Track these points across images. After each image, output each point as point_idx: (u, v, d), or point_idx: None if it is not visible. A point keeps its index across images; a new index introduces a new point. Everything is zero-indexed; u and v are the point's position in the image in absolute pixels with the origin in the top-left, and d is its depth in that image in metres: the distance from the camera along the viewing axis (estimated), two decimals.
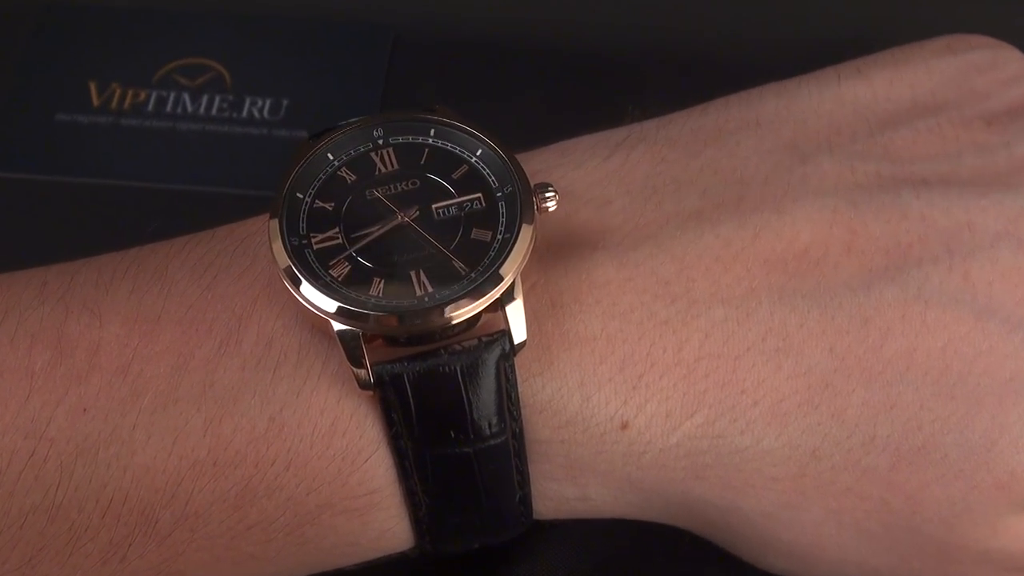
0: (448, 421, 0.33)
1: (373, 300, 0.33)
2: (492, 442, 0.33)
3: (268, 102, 0.54)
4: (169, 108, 0.54)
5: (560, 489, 0.36)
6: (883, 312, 0.34)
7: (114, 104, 0.54)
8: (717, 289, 0.34)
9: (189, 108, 0.54)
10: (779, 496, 0.35)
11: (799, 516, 0.35)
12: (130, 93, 0.54)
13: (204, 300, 0.34)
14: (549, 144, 0.39)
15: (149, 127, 0.54)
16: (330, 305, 0.32)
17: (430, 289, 0.33)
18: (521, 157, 0.37)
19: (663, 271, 0.34)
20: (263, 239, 0.35)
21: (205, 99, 0.54)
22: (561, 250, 0.35)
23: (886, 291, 0.34)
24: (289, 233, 0.34)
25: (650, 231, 0.35)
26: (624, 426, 0.34)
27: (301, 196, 0.35)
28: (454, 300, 0.32)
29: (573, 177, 0.37)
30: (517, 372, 0.33)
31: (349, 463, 0.33)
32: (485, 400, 0.33)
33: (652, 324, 0.34)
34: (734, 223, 0.35)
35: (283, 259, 0.33)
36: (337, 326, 0.32)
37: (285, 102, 0.54)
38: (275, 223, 0.34)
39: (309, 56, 0.56)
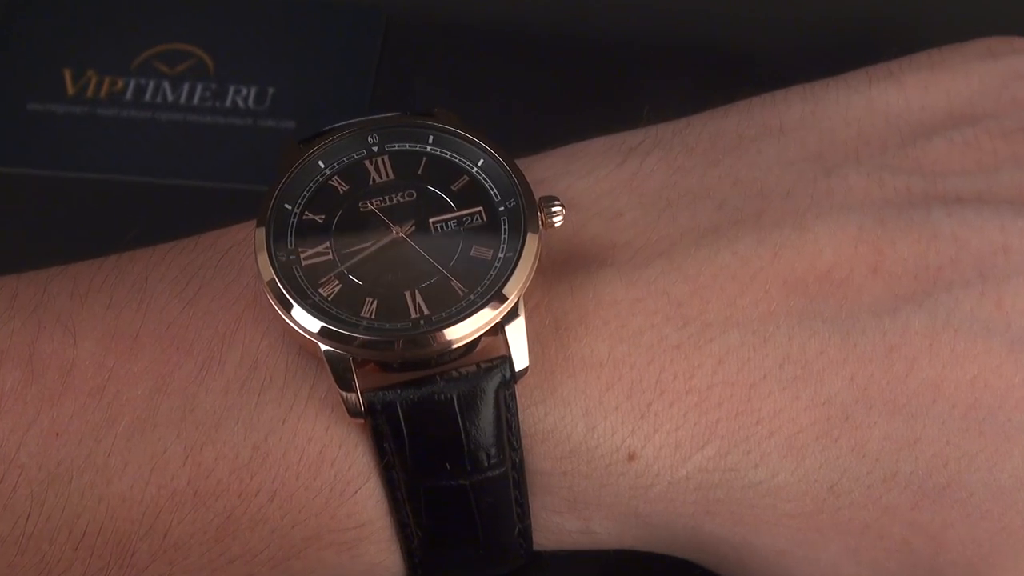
0: (443, 452, 0.32)
1: (365, 323, 0.32)
2: (490, 474, 0.33)
3: (253, 90, 0.53)
4: (148, 97, 0.53)
5: (562, 522, 0.35)
6: (909, 340, 0.33)
7: (90, 93, 0.53)
8: (733, 312, 0.33)
9: (169, 97, 0.53)
10: (795, 533, 0.34)
11: (815, 554, 0.34)
12: (107, 81, 0.53)
13: (185, 317, 0.33)
14: (553, 140, 0.38)
15: (127, 117, 0.53)
16: (318, 327, 0.32)
17: (426, 311, 0.32)
18: (524, 162, 0.36)
19: (676, 291, 0.33)
20: (249, 250, 0.34)
21: (186, 87, 0.53)
22: (566, 267, 0.34)
23: (913, 317, 0.33)
24: (276, 247, 0.33)
25: (662, 247, 0.34)
26: (631, 457, 0.33)
27: (290, 207, 0.34)
28: (451, 324, 0.32)
29: (581, 187, 0.36)
30: (518, 399, 0.32)
31: (338, 494, 0.33)
32: (483, 430, 0.32)
33: (663, 348, 0.33)
34: (752, 240, 0.34)
35: (269, 276, 0.32)
36: (326, 349, 0.32)
37: (271, 91, 0.53)
38: (261, 233, 0.33)
39: (297, 41, 0.55)
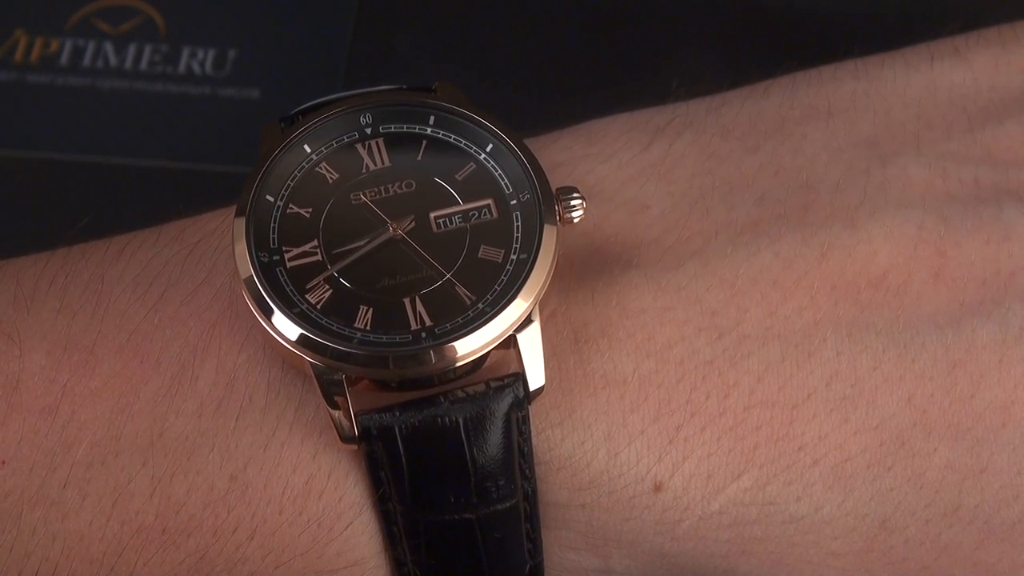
0: (447, 483, 0.32)
1: (359, 335, 0.31)
2: (499, 507, 0.32)
3: (211, 53, 0.52)
4: (87, 61, 0.52)
5: (579, 560, 0.35)
6: (976, 355, 0.33)
7: (18, 56, 0.52)
8: (773, 322, 0.33)
9: (112, 61, 0.52)
10: (840, 575, 0.34)
11: None
12: (38, 43, 0.52)
13: (149, 324, 0.33)
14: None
15: (62, 85, 0.51)
16: (304, 339, 0.31)
17: (428, 322, 0.32)
18: (536, 142, 0.36)
19: (709, 298, 0.33)
20: (221, 244, 0.34)
21: (132, 50, 0.52)
22: (586, 267, 0.34)
23: (980, 330, 0.33)
24: (258, 247, 0.32)
25: (695, 246, 0.34)
26: (657, 488, 0.33)
27: (272, 199, 0.33)
28: (457, 337, 0.31)
29: (602, 172, 0.35)
30: (532, 422, 0.32)
31: (326, 531, 0.32)
32: (492, 457, 0.32)
33: (694, 364, 0.33)
34: (797, 239, 0.34)
35: (248, 275, 0.32)
36: (314, 365, 0.31)
37: (231, 54, 0.52)
38: (240, 224, 0.32)
39: None
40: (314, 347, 0.31)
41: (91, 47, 0.52)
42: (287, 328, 0.31)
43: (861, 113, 0.36)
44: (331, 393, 0.31)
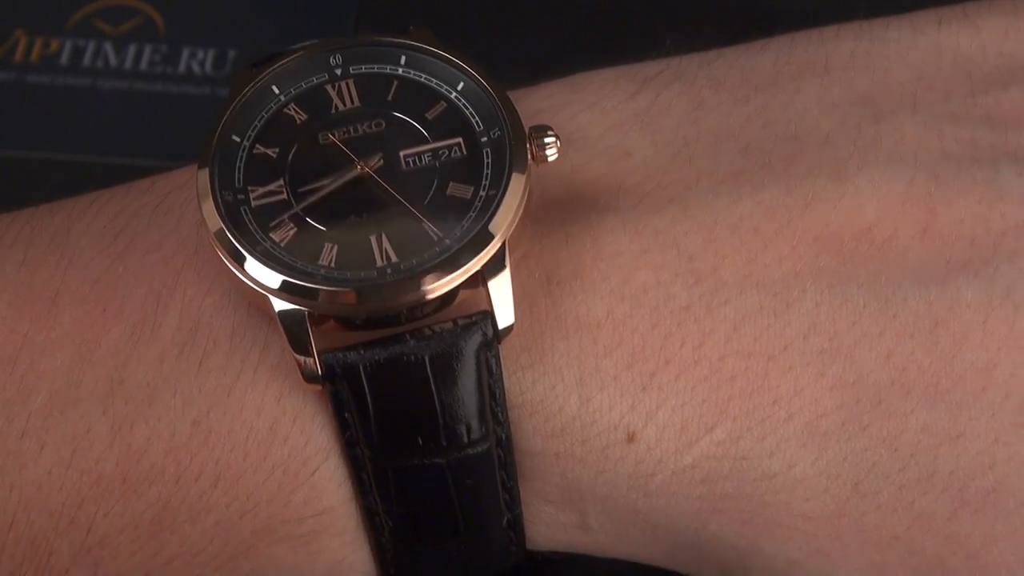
0: (415, 424, 0.31)
1: (323, 271, 0.31)
2: (471, 451, 0.32)
3: (211, 54, 0.52)
4: (87, 61, 0.52)
5: (555, 514, 0.34)
6: (960, 314, 0.32)
7: (19, 56, 0.52)
8: (752, 269, 0.32)
9: (112, 61, 0.52)
10: (810, 540, 0.33)
11: (832, 567, 0.33)
12: (38, 43, 0.52)
13: (114, 273, 0.33)
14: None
15: (62, 85, 0.51)
16: (270, 278, 0.31)
17: (394, 258, 0.31)
18: (521, 93, 0.36)
19: (688, 243, 0.33)
20: (191, 195, 0.34)
21: (132, 50, 0.52)
22: (562, 212, 0.34)
23: (966, 288, 0.32)
24: (222, 186, 0.32)
25: (675, 192, 0.34)
26: (630, 438, 0.32)
27: (238, 139, 0.33)
28: (424, 272, 0.31)
29: (585, 119, 0.35)
30: (503, 364, 0.32)
31: (292, 476, 0.32)
32: (461, 398, 0.31)
33: (669, 309, 0.32)
34: (780, 188, 0.33)
35: (213, 219, 0.32)
36: (279, 304, 0.31)
37: (231, 54, 0.52)
38: (204, 174, 0.32)
39: None
40: (280, 285, 0.31)
41: (91, 47, 0.52)
42: (256, 270, 0.31)
43: (859, 71, 0.36)
44: (296, 334, 0.31)
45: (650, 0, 0.52)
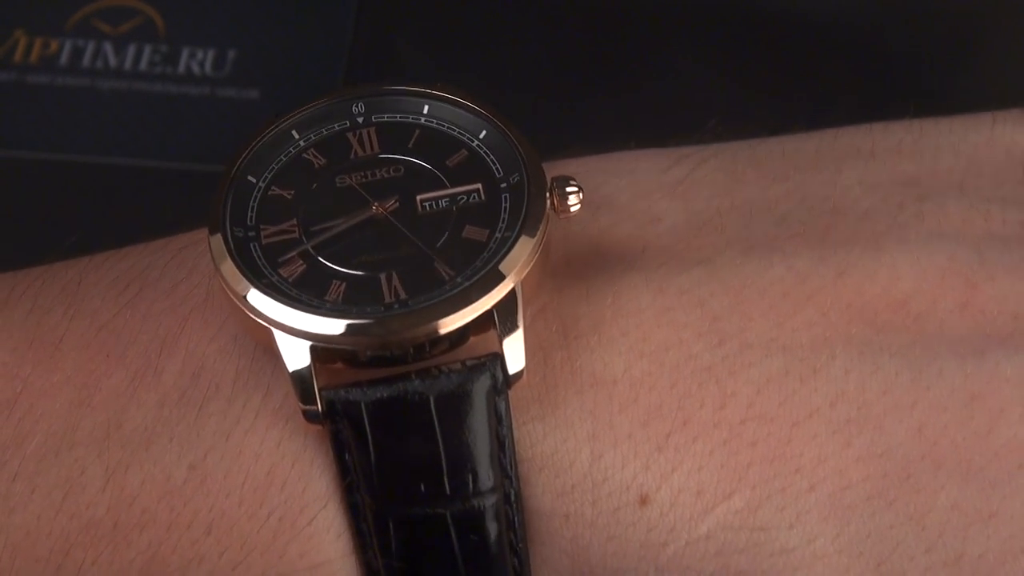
0: (418, 468, 0.31)
1: (328, 306, 0.31)
2: (476, 503, 0.31)
3: (210, 54, 0.52)
4: (87, 62, 0.52)
5: None
6: (998, 389, 0.31)
7: (18, 57, 0.52)
8: (780, 333, 0.32)
9: (112, 61, 0.52)
10: None
11: None
12: (38, 43, 0.52)
13: (121, 320, 0.32)
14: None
15: (62, 85, 0.51)
16: (273, 309, 0.31)
17: (403, 295, 0.31)
18: (553, 164, 0.35)
19: (713, 304, 0.32)
20: (206, 249, 0.33)
21: (132, 50, 0.52)
22: (585, 268, 0.33)
23: (1005, 363, 0.31)
24: (233, 222, 0.32)
25: (704, 255, 0.33)
26: (643, 500, 0.31)
27: (254, 180, 0.33)
28: (432, 307, 0.30)
29: (615, 186, 0.34)
30: (513, 413, 0.31)
31: (288, 525, 0.31)
32: (468, 443, 0.30)
33: (690, 369, 0.31)
34: (814, 256, 0.32)
35: (220, 252, 0.32)
36: (282, 338, 0.31)
37: (231, 54, 0.52)
38: (217, 206, 0.32)
39: None
40: (283, 317, 0.30)
41: (91, 47, 0.51)
42: (260, 302, 0.31)
43: (906, 156, 0.35)
44: (299, 368, 0.30)
45: (650, 3, 0.52)
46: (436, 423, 0.30)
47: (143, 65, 0.51)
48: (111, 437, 0.31)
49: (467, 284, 0.31)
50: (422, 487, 0.30)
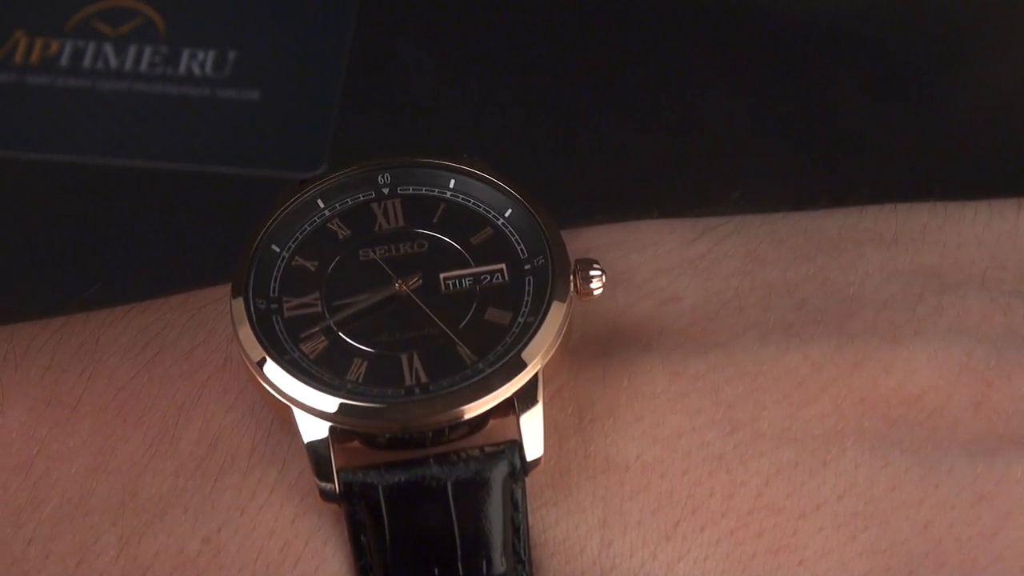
0: (433, 552, 0.31)
1: (348, 386, 0.31)
2: None
3: (211, 55, 0.52)
4: (87, 63, 0.51)
5: None
6: (1007, 490, 0.31)
7: (18, 58, 0.51)
8: (792, 424, 0.32)
9: (112, 62, 0.51)
10: None
11: None
12: (38, 44, 0.52)
13: (138, 383, 0.32)
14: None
15: (62, 86, 0.51)
16: (293, 387, 0.31)
17: (423, 378, 0.31)
18: (574, 232, 0.35)
19: (728, 390, 0.32)
20: (226, 309, 0.33)
21: (133, 51, 0.52)
22: (603, 348, 0.33)
23: (1016, 464, 0.31)
24: (256, 293, 0.32)
25: (721, 338, 0.33)
26: None
27: (278, 250, 0.33)
28: (453, 393, 0.30)
29: (635, 260, 0.34)
30: (528, 498, 0.31)
31: None
32: (484, 529, 0.31)
33: (702, 457, 0.32)
34: (831, 345, 0.32)
35: (242, 322, 0.31)
36: (301, 417, 0.31)
37: (231, 55, 0.52)
38: (239, 303, 0.32)
39: None
40: (303, 397, 0.30)
41: (91, 48, 0.51)
42: (280, 379, 0.31)
43: (929, 244, 0.34)
44: (316, 447, 0.30)
45: (650, 3, 0.52)
46: (453, 509, 0.30)
47: (143, 66, 0.51)
48: (126, 505, 0.31)
49: (489, 371, 0.31)
50: (436, 571, 0.31)
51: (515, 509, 0.30)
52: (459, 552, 0.30)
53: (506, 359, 0.31)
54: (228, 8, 0.52)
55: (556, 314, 0.31)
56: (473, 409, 0.30)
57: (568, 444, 0.31)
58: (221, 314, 0.33)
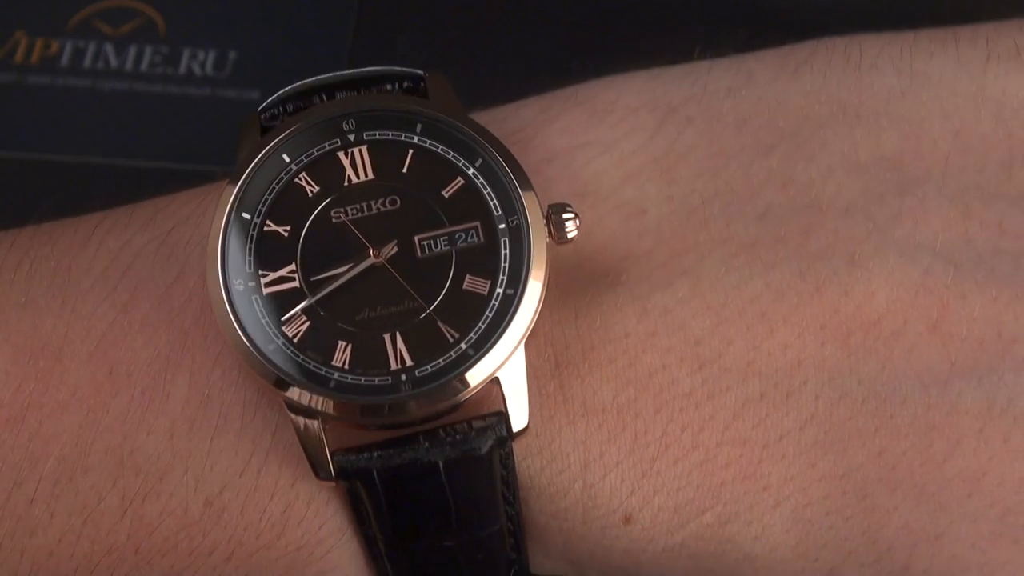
0: (429, 519, 0.32)
1: (336, 376, 0.31)
2: (482, 533, 0.32)
3: (211, 55, 0.52)
4: (88, 62, 0.51)
5: (556, 566, 0.35)
6: (956, 420, 0.32)
7: (19, 57, 0.51)
8: (756, 356, 0.32)
9: (113, 62, 0.51)
10: None
11: None
12: (39, 44, 0.52)
13: (120, 328, 0.32)
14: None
15: (63, 86, 0.51)
16: (282, 385, 0.31)
17: (408, 361, 0.31)
18: (535, 122, 0.34)
19: (694, 326, 0.32)
20: (194, 235, 0.33)
21: (133, 51, 0.51)
22: (572, 282, 0.33)
23: (967, 394, 0.32)
24: (232, 271, 0.31)
25: (687, 263, 0.33)
26: (627, 520, 0.33)
27: (248, 216, 0.32)
28: (437, 384, 0.31)
29: (601, 165, 0.34)
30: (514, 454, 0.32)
31: (305, 555, 0.32)
32: (475, 496, 0.31)
33: (672, 395, 0.32)
34: (793, 270, 0.33)
35: (221, 309, 0.31)
36: (290, 403, 0.31)
37: (232, 55, 0.52)
38: (215, 256, 0.32)
39: None
40: (294, 395, 0.30)
41: (91, 48, 0.51)
42: (268, 374, 0.30)
43: (893, 121, 0.34)
44: (308, 435, 0.31)
45: (652, 5, 0.52)
46: (446, 484, 0.31)
47: (144, 66, 0.51)
48: (124, 464, 0.31)
49: (473, 355, 0.31)
50: (433, 528, 0.32)
51: (504, 468, 0.31)
52: (454, 515, 0.31)
53: (490, 340, 0.31)
54: (228, 8, 0.52)
55: (534, 287, 0.31)
56: (461, 396, 0.31)
57: (547, 391, 0.32)
58: (191, 240, 0.33)
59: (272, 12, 0.52)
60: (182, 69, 0.51)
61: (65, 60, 0.51)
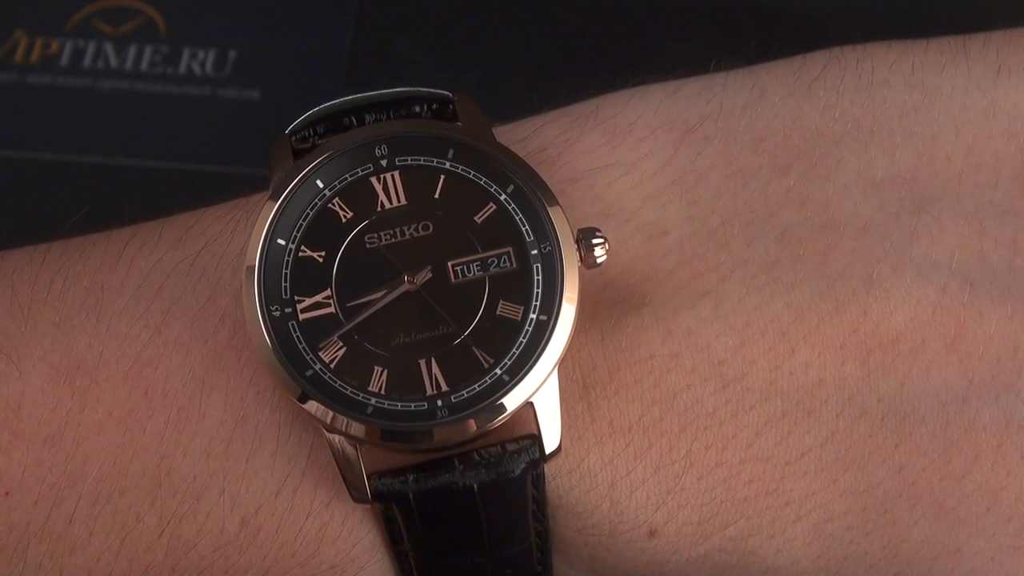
0: (461, 538, 0.32)
1: (373, 402, 0.31)
2: (511, 550, 0.33)
3: (211, 54, 0.52)
4: (88, 62, 0.51)
5: (579, 575, 0.35)
6: (974, 437, 0.33)
7: (19, 57, 0.51)
8: (777, 376, 0.33)
9: (113, 62, 0.51)
10: None
11: None
12: (39, 43, 0.52)
13: (154, 348, 0.32)
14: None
15: (63, 85, 0.51)
16: (320, 412, 0.31)
17: (443, 386, 0.31)
18: (556, 144, 0.34)
19: (717, 347, 0.33)
20: (226, 253, 0.33)
21: (133, 50, 0.52)
22: (598, 303, 0.34)
23: (984, 411, 0.33)
24: (268, 298, 0.32)
25: (708, 284, 0.33)
26: (652, 534, 0.33)
27: (283, 242, 0.32)
28: (473, 411, 0.31)
29: (623, 187, 0.34)
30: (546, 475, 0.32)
31: (339, 573, 0.33)
32: (507, 516, 0.32)
33: (696, 414, 0.33)
34: (812, 289, 0.33)
35: (260, 338, 0.31)
36: (329, 435, 0.31)
37: (232, 54, 0.52)
38: (252, 284, 0.32)
39: None
40: (333, 421, 0.30)
41: (91, 48, 0.51)
42: (310, 403, 0.31)
43: (906, 137, 0.34)
44: (345, 459, 0.31)
45: (651, 3, 0.52)
46: (480, 508, 0.31)
47: (144, 65, 0.51)
48: (162, 485, 0.31)
49: (508, 381, 0.31)
50: (465, 548, 0.32)
51: (535, 488, 0.32)
52: (486, 534, 0.32)
53: (525, 366, 0.31)
54: (228, 8, 0.52)
55: (568, 312, 0.32)
56: (495, 423, 0.31)
57: (575, 411, 0.32)
58: (222, 258, 0.33)
59: (272, 12, 0.52)
60: (182, 69, 0.51)
61: (65, 60, 0.51)
